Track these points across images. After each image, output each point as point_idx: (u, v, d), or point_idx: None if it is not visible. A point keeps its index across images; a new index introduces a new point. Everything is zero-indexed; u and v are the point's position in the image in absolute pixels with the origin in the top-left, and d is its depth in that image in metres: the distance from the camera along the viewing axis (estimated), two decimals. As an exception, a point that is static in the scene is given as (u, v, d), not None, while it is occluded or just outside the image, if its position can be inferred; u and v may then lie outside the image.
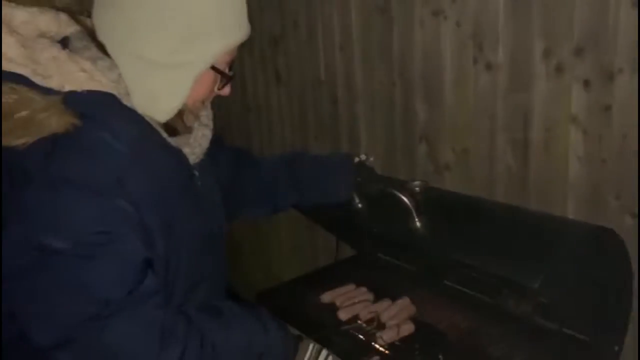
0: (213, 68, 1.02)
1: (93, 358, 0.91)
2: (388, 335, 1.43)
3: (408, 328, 1.46)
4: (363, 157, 1.45)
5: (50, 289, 0.88)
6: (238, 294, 2.92)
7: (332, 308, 1.59)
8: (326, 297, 1.65)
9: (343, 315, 1.55)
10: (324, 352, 1.20)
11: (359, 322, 1.53)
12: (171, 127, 1.05)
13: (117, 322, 0.89)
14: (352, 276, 1.75)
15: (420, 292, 1.63)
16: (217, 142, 1.26)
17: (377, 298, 1.62)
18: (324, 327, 1.49)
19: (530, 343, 1.37)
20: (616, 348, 1.25)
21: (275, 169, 1.45)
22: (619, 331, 1.27)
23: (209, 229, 1.14)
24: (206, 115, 1.16)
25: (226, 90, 1.09)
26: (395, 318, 1.50)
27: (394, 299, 1.59)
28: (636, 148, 1.35)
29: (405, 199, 1.28)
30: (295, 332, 1.22)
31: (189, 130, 1.10)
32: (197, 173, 1.12)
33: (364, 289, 1.68)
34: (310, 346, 1.18)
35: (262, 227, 2.86)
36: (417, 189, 1.33)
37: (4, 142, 0.87)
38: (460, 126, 1.74)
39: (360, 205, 1.42)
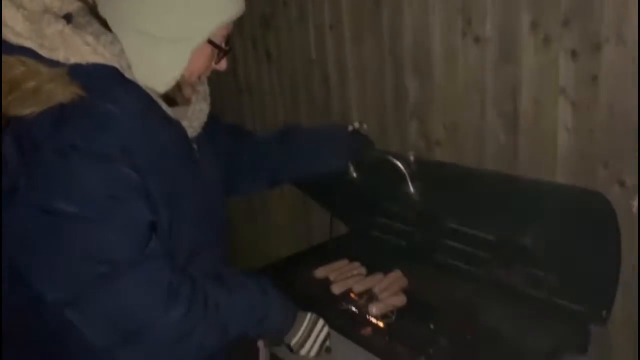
0: (210, 42, 1.06)
1: (100, 317, 0.94)
2: (380, 308, 1.45)
3: (400, 300, 1.48)
4: (356, 124, 1.47)
5: (61, 251, 0.91)
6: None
7: (326, 283, 1.62)
8: (320, 272, 1.67)
9: (336, 289, 1.57)
10: (321, 322, 1.23)
11: (352, 295, 1.55)
12: (170, 99, 1.08)
13: (124, 282, 0.93)
14: (345, 252, 1.78)
15: (413, 265, 1.66)
16: (213, 119, 1.29)
17: (370, 272, 1.64)
18: (318, 301, 1.51)
19: (520, 312, 1.39)
20: (604, 314, 1.27)
21: (271, 143, 1.48)
22: (606, 297, 1.29)
23: (209, 201, 1.17)
24: (203, 90, 1.19)
25: (222, 65, 1.13)
26: (388, 290, 1.52)
27: (386, 272, 1.61)
28: (623, 117, 1.36)
29: (400, 164, 1.29)
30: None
31: (187, 102, 1.13)
32: (195, 146, 1.15)
33: (357, 264, 1.70)
34: (308, 315, 1.21)
35: (256, 206, 2.87)
36: (411, 158, 1.35)
37: (14, 112, 0.91)
38: (450, 101, 1.75)
39: (355, 175, 1.44)
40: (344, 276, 1.63)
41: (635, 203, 1.31)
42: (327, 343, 1.24)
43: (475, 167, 1.67)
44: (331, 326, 1.37)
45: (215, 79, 1.16)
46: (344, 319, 1.43)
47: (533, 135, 1.57)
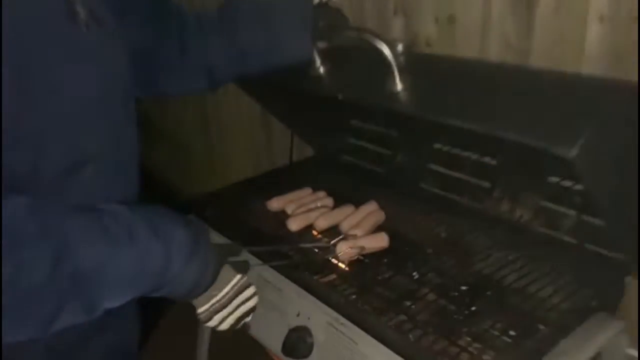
0: None
1: None
2: (348, 249, 1.11)
3: (376, 240, 1.15)
4: None
5: None
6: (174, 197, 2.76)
7: (281, 217, 1.29)
8: (274, 203, 1.33)
9: (293, 225, 1.24)
10: (249, 291, 0.90)
11: (314, 233, 1.23)
12: None
13: None
14: (309, 180, 1.45)
15: (391, 197, 1.33)
16: None
17: (338, 204, 1.30)
18: (268, 240, 1.18)
19: (528, 256, 1.07)
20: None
21: (208, 23, 1.10)
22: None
23: (101, 95, 0.83)
24: None
25: None
26: (359, 227, 1.19)
27: (358, 205, 1.27)
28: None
29: (385, 50, 0.91)
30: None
31: None
32: (81, 11, 0.79)
33: (321, 194, 1.37)
34: (236, 279, 0.88)
35: (212, 126, 2.56)
36: (399, 47, 0.96)
37: None
38: (446, -12, 1.37)
39: (322, 71, 1.05)
40: (304, 209, 1.29)
41: None
42: (248, 319, 0.91)
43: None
44: (283, 273, 1.06)
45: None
46: (301, 263, 1.10)
47: (552, 31, 1.21)
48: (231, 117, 2.38)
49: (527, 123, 0.75)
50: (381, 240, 1.13)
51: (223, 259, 0.86)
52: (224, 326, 0.89)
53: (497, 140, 0.78)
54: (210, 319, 0.87)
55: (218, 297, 0.86)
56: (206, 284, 0.83)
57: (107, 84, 0.84)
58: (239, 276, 0.88)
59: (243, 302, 0.88)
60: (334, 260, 1.11)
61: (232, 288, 0.87)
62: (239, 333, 1.06)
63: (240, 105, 2.25)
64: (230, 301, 0.87)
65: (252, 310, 0.91)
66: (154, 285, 0.76)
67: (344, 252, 1.10)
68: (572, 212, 1.00)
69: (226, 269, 0.86)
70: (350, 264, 1.11)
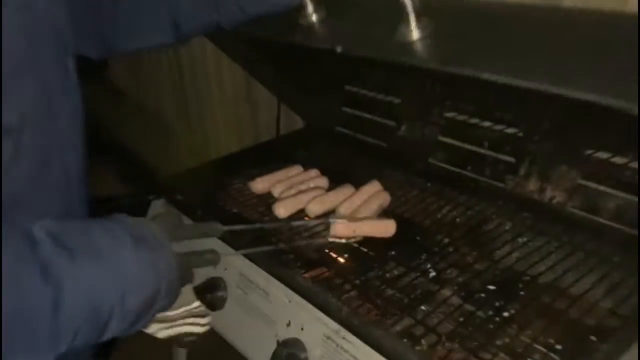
0: None
1: None
2: (346, 236, 0.93)
3: (378, 225, 0.96)
4: None
5: None
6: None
7: (267, 200, 1.11)
8: (259, 184, 1.14)
9: (282, 209, 1.05)
10: (204, 320, 0.75)
11: (305, 219, 1.04)
12: None
13: None
14: (299, 156, 1.28)
15: (397, 175, 1.17)
16: None
17: (334, 185, 1.12)
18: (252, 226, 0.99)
19: (566, 247, 0.89)
20: None
21: None
22: None
23: (21, 46, 0.62)
24: None
25: None
26: (360, 212, 1.00)
27: (358, 185, 1.08)
28: None
29: None
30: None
31: None
32: None
33: (314, 173, 1.18)
34: (192, 305, 0.77)
35: (192, 99, 2.39)
36: None
37: None
38: None
39: (315, 19, 0.84)
40: (294, 190, 1.10)
41: None
42: (189, 339, 0.76)
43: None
44: (267, 269, 0.88)
45: None
46: (289, 255, 0.91)
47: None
48: (211, 85, 2.21)
49: (591, 78, 0.55)
50: (386, 229, 0.94)
51: (186, 277, 0.67)
52: (161, 335, 0.75)
53: (544, 100, 0.59)
54: (148, 325, 0.70)
55: (166, 314, 0.69)
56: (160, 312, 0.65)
57: (34, 36, 0.64)
58: (196, 304, 0.75)
59: (190, 324, 0.72)
60: (327, 251, 0.92)
61: (184, 311, 0.71)
62: (224, 348, 0.88)
63: (221, 73, 2.07)
64: (177, 319, 0.71)
65: (195, 334, 0.75)
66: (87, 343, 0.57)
67: (340, 232, 0.92)
68: (629, 196, 0.82)
69: (187, 292, 0.69)
70: (351, 257, 0.92)
